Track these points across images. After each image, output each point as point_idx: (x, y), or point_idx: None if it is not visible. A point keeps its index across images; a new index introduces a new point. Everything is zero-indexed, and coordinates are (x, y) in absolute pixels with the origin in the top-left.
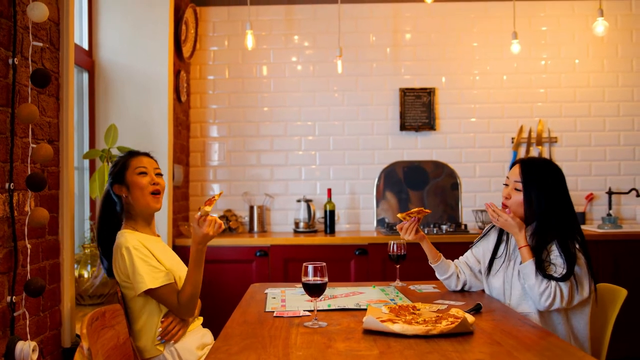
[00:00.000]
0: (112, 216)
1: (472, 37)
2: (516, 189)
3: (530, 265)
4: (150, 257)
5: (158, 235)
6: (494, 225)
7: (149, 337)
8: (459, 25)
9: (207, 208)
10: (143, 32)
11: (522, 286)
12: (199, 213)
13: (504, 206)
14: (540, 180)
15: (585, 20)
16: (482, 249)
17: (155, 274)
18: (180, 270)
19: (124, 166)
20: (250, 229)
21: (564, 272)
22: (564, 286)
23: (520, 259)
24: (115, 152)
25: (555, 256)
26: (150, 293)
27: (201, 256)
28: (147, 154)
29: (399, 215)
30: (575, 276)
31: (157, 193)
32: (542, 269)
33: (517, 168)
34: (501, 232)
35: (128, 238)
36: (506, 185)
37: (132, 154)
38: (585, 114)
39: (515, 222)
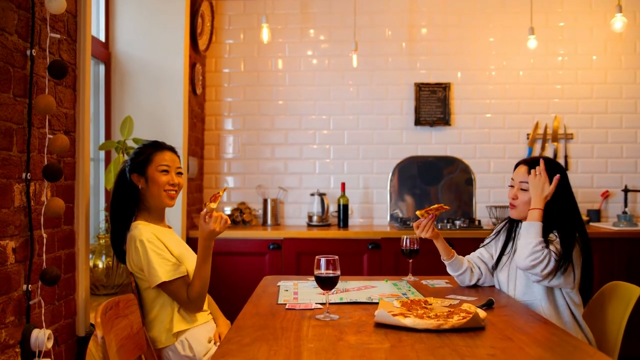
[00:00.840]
0: (126, 200)
1: (488, 32)
2: (522, 189)
3: (535, 225)
4: (164, 250)
5: (170, 227)
6: (505, 224)
7: (161, 328)
8: (476, 20)
9: (212, 205)
10: (159, 25)
11: (525, 277)
12: (204, 210)
13: (512, 206)
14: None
15: (603, 16)
16: (494, 246)
17: (169, 267)
18: (191, 262)
19: (147, 160)
20: (264, 222)
21: (560, 251)
22: (553, 261)
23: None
24: (130, 143)
25: (556, 243)
26: (162, 286)
27: (208, 252)
28: (172, 149)
29: (417, 212)
30: (569, 261)
31: (173, 193)
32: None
33: (521, 168)
34: (510, 231)
35: (142, 230)
36: (512, 186)
37: (157, 147)
38: (602, 111)
39: (546, 186)
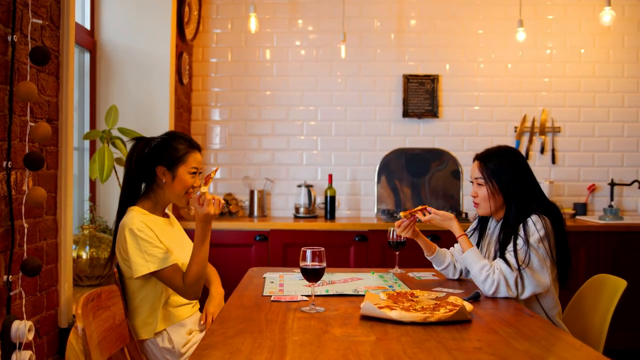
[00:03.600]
0: (139, 186)
1: (477, 25)
2: (479, 184)
3: (469, 254)
4: (154, 239)
5: (168, 216)
6: (477, 221)
7: (140, 320)
8: (464, 12)
9: (204, 188)
10: (146, 13)
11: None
12: (197, 193)
13: (476, 204)
14: (498, 169)
15: (592, 9)
16: (473, 241)
17: (159, 256)
18: (186, 253)
19: (181, 159)
20: (250, 213)
21: (517, 264)
22: (510, 276)
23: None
24: (115, 133)
25: (509, 253)
26: (154, 274)
27: (206, 234)
28: (200, 150)
29: (401, 213)
30: (530, 269)
31: (191, 195)
32: (503, 254)
33: (475, 165)
34: (482, 227)
35: (134, 218)
36: (472, 183)
37: (191, 147)
38: (589, 104)
39: (444, 217)
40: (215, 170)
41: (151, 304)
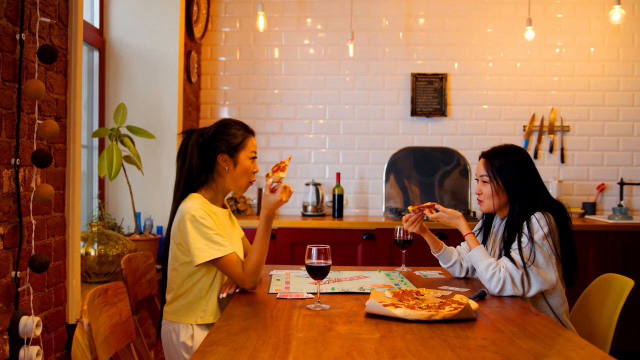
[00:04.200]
0: (198, 176)
1: (486, 23)
2: (484, 182)
3: (475, 252)
4: (214, 227)
5: (227, 207)
6: (483, 220)
7: (180, 304)
8: (473, 11)
9: (282, 174)
10: (154, 12)
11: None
12: (270, 180)
13: (480, 201)
14: (503, 167)
15: (602, 7)
16: (479, 239)
17: (218, 243)
18: (237, 249)
19: (241, 144)
20: (259, 212)
21: (522, 261)
22: (516, 274)
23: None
24: (124, 131)
25: (514, 251)
26: (215, 262)
27: (270, 224)
28: (254, 135)
29: (410, 207)
30: (535, 267)
31: (253, 181)
32: (508, 252)
33: (480, 162)
34: (487, 226)
35: (196, 205)
36: (477, 180)
37: (248, 131)
38: (599, 103)
39: (451, 215)
40: (290, 158)
41: (197, 292)
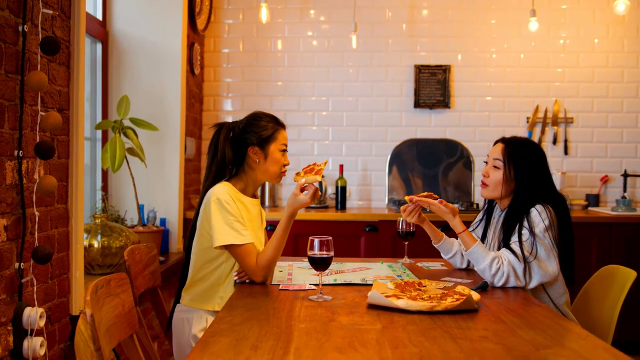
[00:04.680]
0: (226, 168)
1: (489, 14)
2: (495, 167)
3: (476, 248)
4: (238, 214)
5: (257, 198)
6: (485, 209)
7: (197, 290)
8: (477, 2)
9: (318, 177)
10: (157, 4)
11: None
12: (302, 179)
13: (483, 185)
14: (521, 158)
15: None
16: (480, 230)
17: (237, 231)
18: (257, 242)
19: (271, 137)
20: (261, 204)
21: (522, 254)
22: (518, 266)
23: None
24: (127, 123)
25: (515, 244)
26: (229, 248)
27: (290, 223)
28: (285, 127)
29: (406, 197)
30: (537, 260)
31: (284, 173)
32: (508, 244)
33: (498, 146)
34: (489, 216)
35: (223, 190)
36: (486, 163)
37: (279, 123)
38: (603, 95)
39: (448, 209)
40: (325, 163)
41: (216, 279)
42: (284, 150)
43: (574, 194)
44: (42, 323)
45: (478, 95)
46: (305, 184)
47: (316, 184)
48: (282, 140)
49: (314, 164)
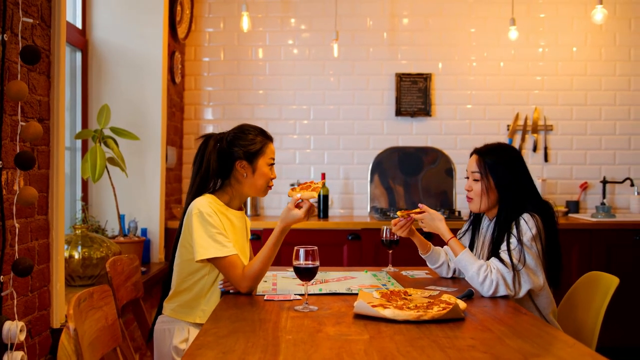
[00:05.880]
0: (213, 180)
1: (469, 23)
2: (475, 180)
3: (464, 256)
4: (220, 227)
5: (242, 211)
6: (470, 219)
7: (181, 301)
8: (457, 11)
9: (315, 194)
10: (138, 12)
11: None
12: (298, 195)
13: (469, 198)
14: (496, 164)
15: (584, 7)
16: (466, 240)
17: (221, 243)
18: (241, 252)
19: (260, 151)
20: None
21: (512, 263)
22: (507, 274)
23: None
24: (107, 132)
25: (503, 252)
26: (213, 261)
27: (282, 237)
28: (272, 140)
29: (399, 213)
30: (526, 268)
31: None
32: (497, 253)
33: (473, 159)
34: (475, 226)
35: (205, 202)
36: (467, 177)
37: (267, 137)
38: (581, 103)
39: (433, 216)
40: (323, 183)
41: (198, 291)
42: (272, 164)
43: (554, 200)
44: (22, 337)
45: (459, 103)
46: (301, 200)
47: (312, 201)
48: (270, 155)
49: (311, 182)
